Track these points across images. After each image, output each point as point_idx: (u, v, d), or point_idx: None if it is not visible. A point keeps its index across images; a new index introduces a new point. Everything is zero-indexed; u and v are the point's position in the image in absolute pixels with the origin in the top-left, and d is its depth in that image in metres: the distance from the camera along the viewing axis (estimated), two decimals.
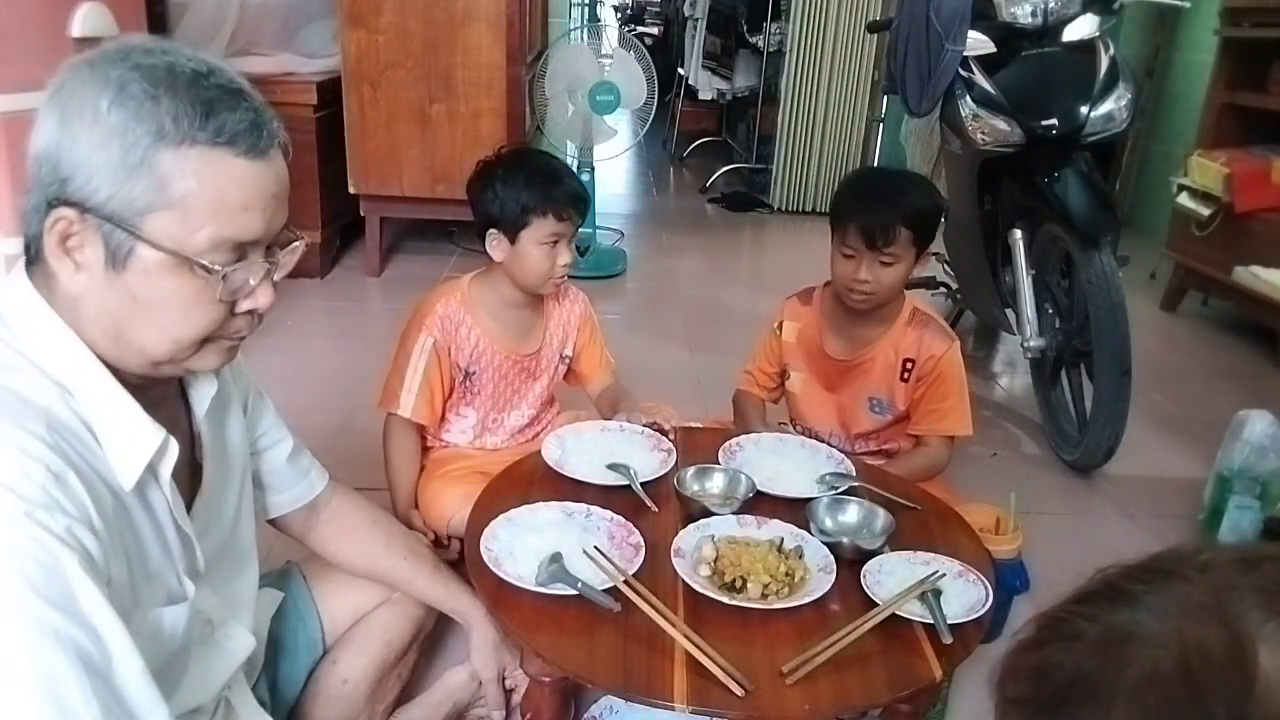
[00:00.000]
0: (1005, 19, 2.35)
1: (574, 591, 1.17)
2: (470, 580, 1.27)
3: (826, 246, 1.77)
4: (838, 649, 1.10)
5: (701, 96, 6.29)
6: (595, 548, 1.24)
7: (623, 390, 1.87)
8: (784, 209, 5.08)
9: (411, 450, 1.77)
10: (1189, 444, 2.59)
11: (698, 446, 1.61)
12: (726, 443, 1.60)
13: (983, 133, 2.35)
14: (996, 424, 2.69)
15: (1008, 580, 1.66)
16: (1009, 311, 2.63)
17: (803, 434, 1.88)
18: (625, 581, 1.18)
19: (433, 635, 1.47)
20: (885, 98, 4.79)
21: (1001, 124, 2.31)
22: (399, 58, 3.27)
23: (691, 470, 1.47)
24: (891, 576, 1.26)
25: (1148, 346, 2.81)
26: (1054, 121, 2.23)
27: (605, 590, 1.17)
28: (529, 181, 1.63)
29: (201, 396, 0.98)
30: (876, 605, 1.18)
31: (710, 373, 2.72)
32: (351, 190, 3.44)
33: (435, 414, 1.76)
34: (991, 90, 2.33)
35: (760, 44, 5.39)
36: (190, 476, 0.98)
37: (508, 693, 1.40)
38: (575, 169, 2.95)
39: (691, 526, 1.33)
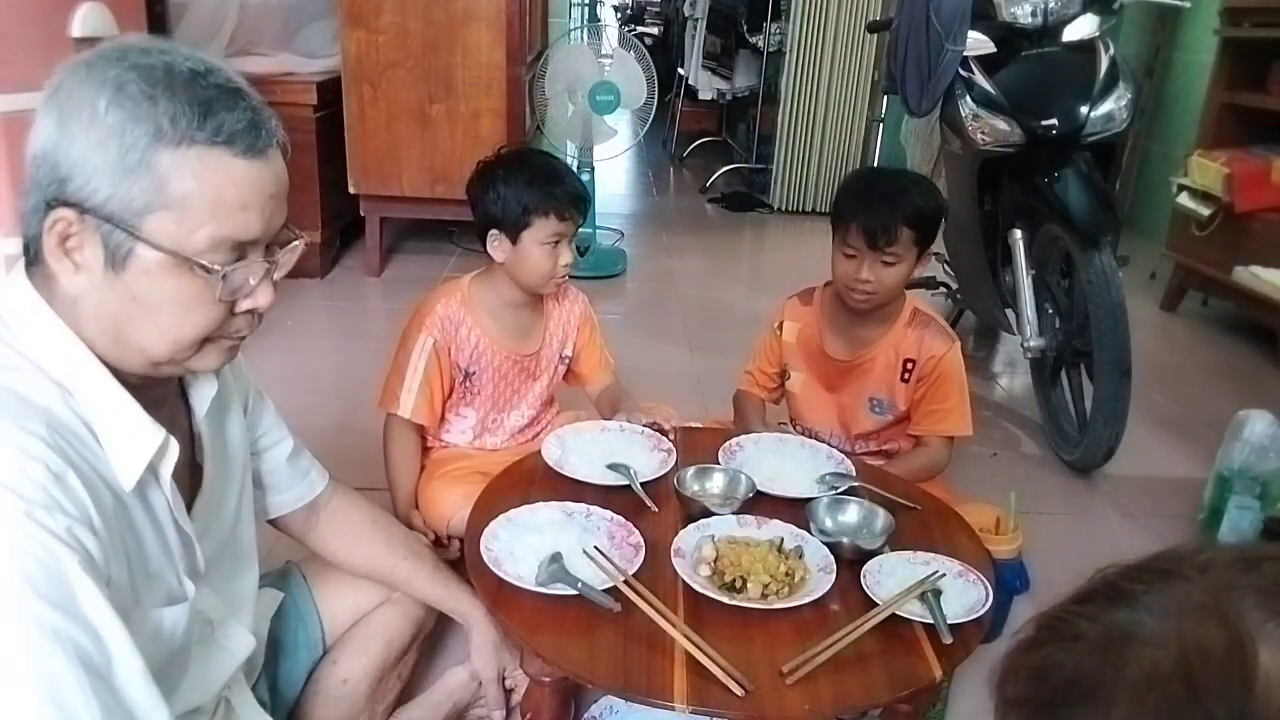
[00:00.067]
0: (1005, 19, 2.35)
1: (574, 591, 1.17)
2: (470, 580, 1.27)
3: (827, 246, 1.77)
4: (838, 649, 1.10)
5: (701, 96, 6.29)
6: (595, 548, 1.24)
7: (623, 390, 1.87)
8: (784, 209, 5.08)
9: (412, 450, 1.77)
10: (1189, 444, 2.59)
11: (698, 446, 1.61)
12: (726, 443, 1.60)
13: (983, 133, 2.35)
14: (996, 424, 2.69)
15: (1008, 580, 1.66)
16: (1009, 311, 2.63)
17: (803, 434, 1.88)
18: (625, 581, 1.18)
19: (433, 635, 1.47)
20: (885, 98, 4.79)
21: (1001, 124, 2.31)
22: (399, 58, 3.27)
23: (691, 470, 1.47)
24: (891, 576, 1.26)
25: (1148, 346, 2.81)
26: (1054, 121, 2.23)
27: (605, 590, 1.17)
28: (531, 182, 1.63)
29: (202, 397, 0.98)
30: (876, 605, 1.18)
31: (710, 373, 2.72)
32: (351, 190, 3.44)
33: (435, 414, 1.76)
34: (991, 90, 2.33)
35: (760, 44, 5.39)
36: (190, 477, 0.98)
37: (508, 693, 1.40)
38: (575, 169, 2.95)
39: (691, 526, 1.33)
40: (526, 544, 1.27)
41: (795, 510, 1.41)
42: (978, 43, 2.36)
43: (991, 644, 1.32)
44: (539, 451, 1.53)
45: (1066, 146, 2.25)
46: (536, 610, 1.18)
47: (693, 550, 1.28)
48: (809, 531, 1.34)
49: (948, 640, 1.14)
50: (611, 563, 1.21)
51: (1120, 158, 2.61)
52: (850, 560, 1.28)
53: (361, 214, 3.54)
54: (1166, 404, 2.85)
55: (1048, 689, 0.49)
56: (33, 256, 0.82)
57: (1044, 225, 2.36)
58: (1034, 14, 2.33)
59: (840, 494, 1.45)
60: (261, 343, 1.30)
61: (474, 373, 1.76)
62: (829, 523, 1.37)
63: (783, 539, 1.31)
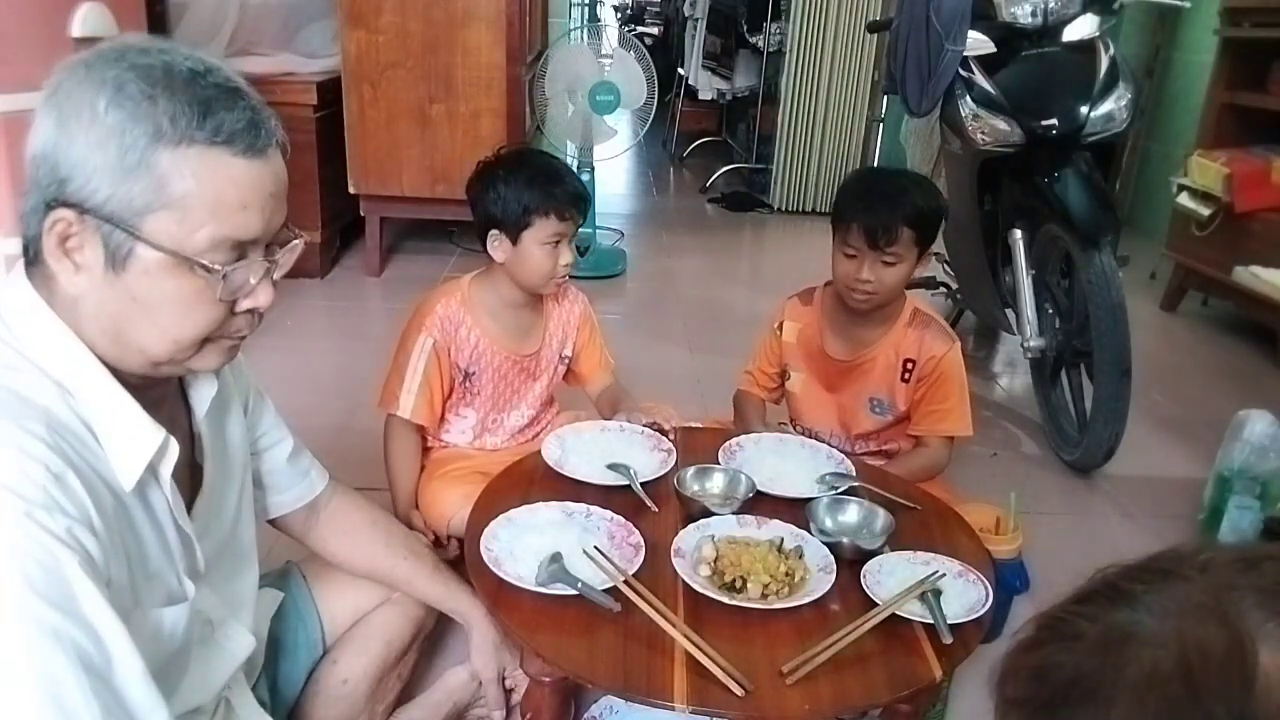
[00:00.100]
0: (1005, 19, 2.35)
1: (574, 591, 1.17)
2: (470, 580, 1.27)
3: (827, 246, 1.77)
4: (838, 649, 1.10)
5: (701, 96, 6.29)
6: (595, 548, 1.24)
7: (622, 390, 1.87)
8: (784, 209, 5.08)
9: (412, 451, 1.77)
10: (1189, 444, 2.59)
11: (698, 446, 1.61)
12: (726, 443, 1.60)
13: (983, 133, 2.35)
14: (996, 424, 2.69)
15: (1008, 580, 1.66)
16: (1009, 311, 2.63)
17: (803, 434, 1.88)
18: (625, 581, 1.18)
19: (433, 635, 1.47)
20: (885, 98, 4.79)
21: (1001, 124, 2.31)
22: (399, 58, 3.27)
23: (691, 470, 1.47)
24: (891, 576, 1.26)
25: (1148, 346, 2.81)
26: (1054, 121, 2.23)
27: (605, 590, 1.17)
28: (531, 182, 1.63)
29: (202, 397, 0.98)
30: (876, 605, 1.18)
31: (710, 373, 2.72)
32: (351, 190, 3.44)
33: (435, 414, 1.76)
34: (991, 90, 2.33)
35: (760, 44, 5.39)
36: (190, 477, 0.98)
37: (508, 693, 1.40)
38: (575, 169, 2.95)
39: (691, 526, 1.33)
40: (526, 544, 1.27)
41: (795, 510, 1.41)
42: (978, 43, 2.36)
43: (991, 644, 1.32)
44: (539, 451, 1.53)
45: (1066, 146, 2.25)
46: (536, 610, 1.17)
47: (693, 550, 1.28)
48: (809, 531, 1.34)
49: (948, 640, 1.14)
50: (611, 563, 1.21)
51: (1120, 158, 2.61)
52: (850, 560, 1.28)
53: (361, 214, 3.54)
54: (1166, 404, 2.85)
55: (1048, 689, 0.49)
56: (32, 257, 0.82)
57: (1044, 225, 2.36)
58: (1034, 14, 2.33)
59: (840, 494, 1.45)
60: (261, 343, 1.30)
61: (474, 373, 1.76)
62: (829, 523, 1.37)
63: (783, 539, 1.31)
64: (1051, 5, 2.32)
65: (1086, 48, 2.32)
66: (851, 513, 1.39)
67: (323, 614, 1.29)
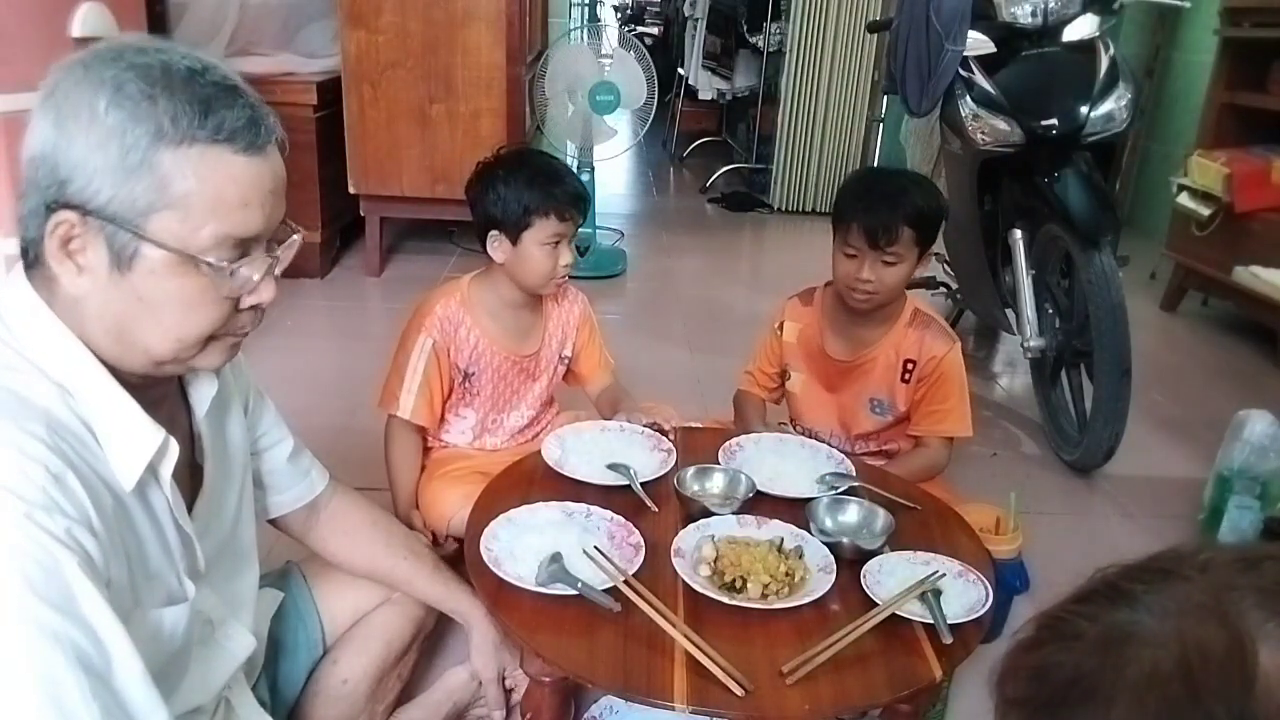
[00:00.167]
0: (1005, 19, 2.35)
1: (574, 591, 1.17)
2: (470, 580, 1.27)
3: (827, 246, 1.77)
4: (838, 649, 1.10)
5: (701, 96, 6.29)
6: (595, 548, 1.24)
7: (622, 390, 1.87)
8: (784, 209, 5.08)
9: (412, 451, 1.77)
10: (1189, 444, 2.59)
11: (698, 446, 1.61)
12: (726, 443, 1.60)
13: (983, 133, 2.35)
14: (996, 424, 2.69)
15: (1008, 580, 1.66)
16: (1009, 311, 2.63)
17: (803, 434, 1.88)
18: (625, 581, 1.18)
19: (433, 635, 1.47)
20: (885, 98, 4.79)
21: (1001, 124, 2.31)
22: (399, 58, 3.27)
23: (691, 470, 1.47)
24: (891, 576, 1.26)
25: (1148, 346, 2.81)
26: (1054, 121, 2.23)
27: (605, 590, 1.17)
28: (531, 182, 1.63)
29: (202, 397, 0.98)
30: (876, 605, 1.18)
31: (710, 373, 2.72)
32: (351, 190, 3.44)
33: (434, 415, 1.76)
34: (991, 90, 2.33)
35: (760, 44, 5.39)
36: (191, 477, 0.98)
37: (508, 693, 1.40)
38: (575, 169, 2.95)
39: (691, 526, 1.33)
40: (526, 544, 1.27)
41: (795, 510, 1.41)
42: (978, 43, 2.36)
43: (991, 644, 1.32)
44: (539, 451, 1.53)
45: (1066, 146, 2.25)
46: (536, 610, 1.17)
47: (693, 550, 1.28)
48: (809, 531, 1.34)
49: (948, 640, 1.14)
50: (611, 563, 1.21)
51: (1120, 158, 2.61)
52: (850, 560, 1.28)
53: (361, 214, 3.54)
54: (1166, 404, 2.85)
55: (1048, 689, 0.49)
56: (32, 260, 0.82)
57: (1044, 225, 2.36)
58: (1034, 14, 2.33)
59: (840, 494, 1.45)
60: (261, 343, 1.30)
61: (473, 373, 1.76)
62: (829, 523, 1.37)
63: (783, 539, 1.31)
64: (1051, 5, 2.32)
65: (1086, 48, 2.32)
66: (851, 513, 1.39)
67: (323, 614, 1.29)
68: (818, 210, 4.94)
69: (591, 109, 3.60)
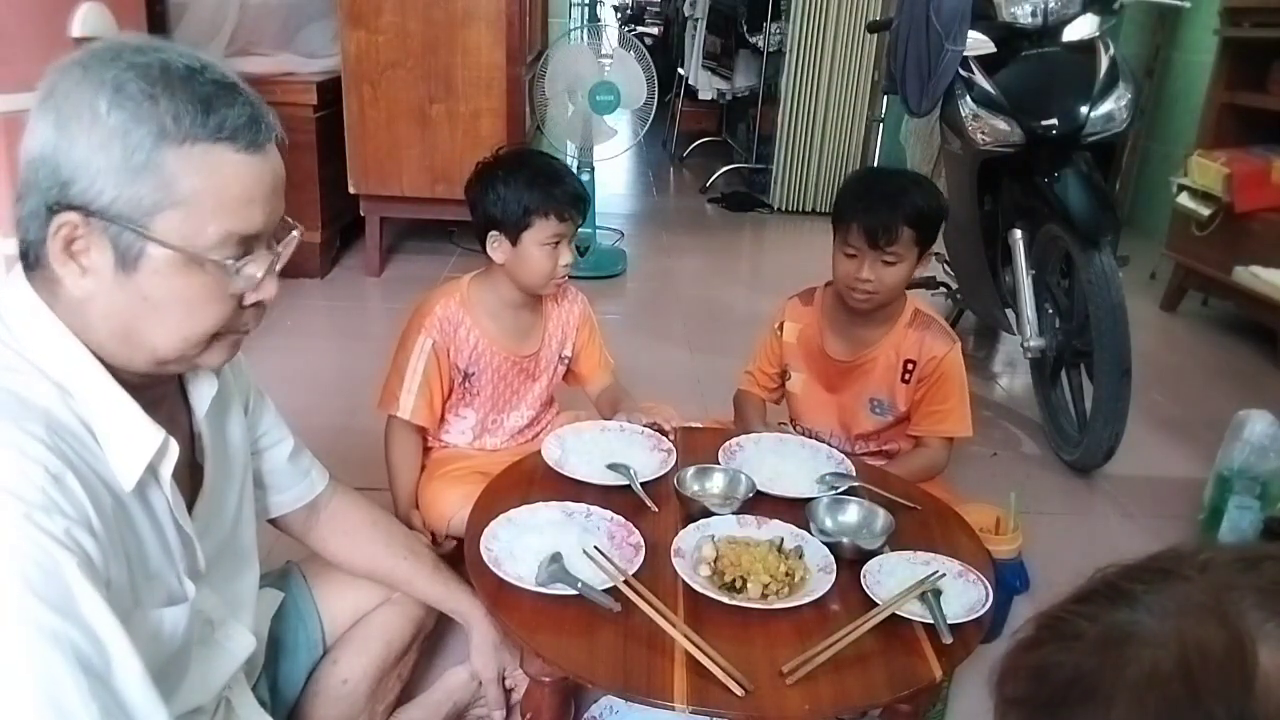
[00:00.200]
0: (1005, 19, 2.35)
1: (574, 591, 1.17)
2: (470, 580, 1.27)
3: (827, 246, 1.77)
4: (838, 649, 1.10)
5: (701, 96, 6.29)
6: (595, 548, 1.24)
7: (622, 390, 1.87)
8: (784, 209, 5.08)
9: (412, 451, 1.77)
10: (1189, 444, 2.59)
11: (698, 446, 1.61)
12: (726, 443, 1.60)
13: (983, 133, 2.35)
14: (996, 424, 2.69)
15: (1008, 580, 1.66)
16: (1009, 311, 2.63)
17: (803, 434, 1.88)
18: (625, 581, 1.18)
19: (433, 635, 1.47)
20: (885, 98, 4.79)
21: (1001, 124, 2.31)
22: (399, 58, 3.27)
23: (691, 470, 1.47)
24: (891, 576, 1.25)
25: (1148, 346, 2.82)
26: (1054, 121, 2.23)
27: (605, 590, 1.17)
28: (531, 182, 1.63)
29: (202, 396, 0.98)
30: (876, 605, 1.18)
31: (710, 373, 2.72)
32: (351, 190, 3.44)
33: (434, 415, 1.76)
34: (991, 90, 2.33)
35: (760, 44, 5.39)
36: (191, 477, 0.98)
37: (508, 693, 1.40)
38: (575, 169, 2.95)
39: (691, 526, 1.33)
40: (526, 544, 1.27)
41: (795, 510, 1.41)
42: (978, 43, 2.36)
43: (991, 644, 1.32)
44: (539, 451, 1.53)
45: (1066, 146, 2.25)
46: (536, 610, 1.17)
47: (693, 550, 1.28)
48: (809, 531, 1.34)
49: (948, 640, 1.14)
50: (611, 563, 1.21)
51: (1120, 158, 2.61)
52: (850, 560, 1.28)
53: (361, 214, 3.54)
54: (1166, 404, 2.85)
55: (1047, 689, 0.49)
56: (33, 261, 0.81)
57: (1044, 225, 2.36)
58: (1034, 14, 2.33)
59: (840, 494, 1.45)
60: (261, 343, 1.30)
61: (473, 374, 1.76)
62: (829, 523, 1.37)
63: (783, 539, 1.31)
64: (1051, 5, 2.32)
65: (1086, 48, 2.32)
66: (851, 513, 1.39)
67: (323, 614, 1.29)
68: (818, 210, 4.94)
69: (591, 109, 3.60)
